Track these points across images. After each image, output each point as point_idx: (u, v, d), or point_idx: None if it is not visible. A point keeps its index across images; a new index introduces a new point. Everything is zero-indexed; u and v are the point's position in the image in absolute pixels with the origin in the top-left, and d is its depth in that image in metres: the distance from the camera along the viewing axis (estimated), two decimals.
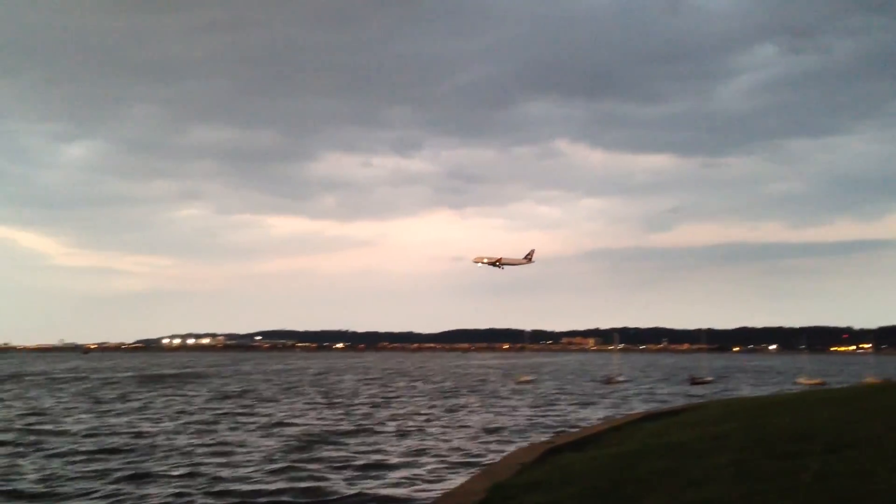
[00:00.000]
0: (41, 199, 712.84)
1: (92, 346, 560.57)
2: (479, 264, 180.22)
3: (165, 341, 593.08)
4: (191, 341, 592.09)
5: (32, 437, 36.71)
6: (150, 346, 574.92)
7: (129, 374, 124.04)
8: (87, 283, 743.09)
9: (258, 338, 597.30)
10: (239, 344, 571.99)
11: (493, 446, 33.67)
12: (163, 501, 21.83)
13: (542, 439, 29.66)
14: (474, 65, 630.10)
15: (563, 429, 40.24)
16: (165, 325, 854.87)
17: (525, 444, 32.14)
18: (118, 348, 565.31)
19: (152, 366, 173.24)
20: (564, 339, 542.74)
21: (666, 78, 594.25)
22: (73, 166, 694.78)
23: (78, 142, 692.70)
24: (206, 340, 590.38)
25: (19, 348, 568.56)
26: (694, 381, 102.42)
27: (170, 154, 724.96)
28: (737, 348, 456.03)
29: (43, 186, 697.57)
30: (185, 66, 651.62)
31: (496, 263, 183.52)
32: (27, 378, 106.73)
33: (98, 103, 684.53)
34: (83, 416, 48.23)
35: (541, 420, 47.22)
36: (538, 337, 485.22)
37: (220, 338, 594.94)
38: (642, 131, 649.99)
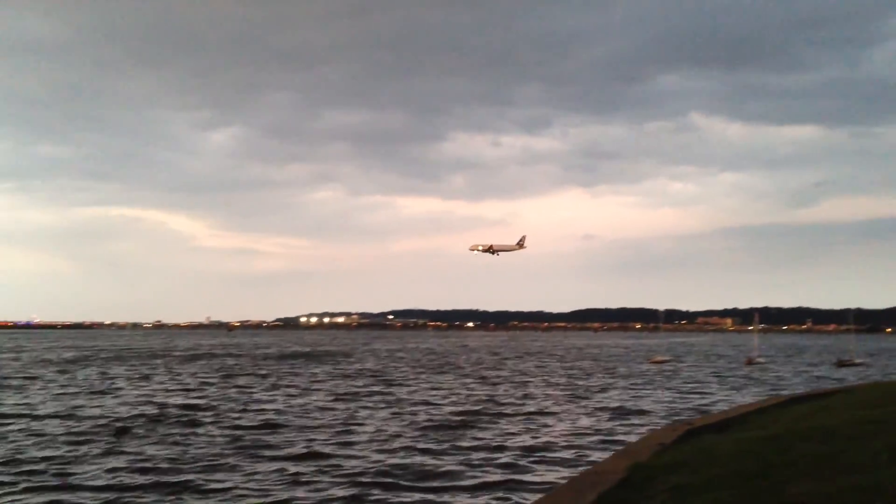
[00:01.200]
0: (188, 184, 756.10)
1: (235, 324, 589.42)
2: (476, 252, 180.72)
3: (303, 319, 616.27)
4: (326, 320, 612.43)
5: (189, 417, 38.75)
6: (288, 324, 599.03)
7: (271, 350, 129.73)
8: (231, 263, 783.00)
9: (390, 317, 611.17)
10: (372, 322, 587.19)
11: (629, 427, 33.23)
12: (292, 481, 22.43)
13: (681, 420, 29.12)
14: (605, 39, 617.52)
15: (701, 410, 39.30)
16: (303, 304, 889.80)
17: (662, 425, 31.65)
18: (259, 326, 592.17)
19: (291, 343, 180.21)
20: (700, 319, 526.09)
21: (811, 44, 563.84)
22: (217, 152, 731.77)
23: (220, 129, 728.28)
24: (340, 319, 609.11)
25: (170, 325, 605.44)
26: (841, 364, 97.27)
27: (305, 138, 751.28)
28: (889, 329, 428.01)
29: (189, 172, 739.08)
30: (318, 52, 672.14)
31: (490, 250, 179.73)
32: (175, 354, 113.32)
33: (238, 91, 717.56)
34: (232, 392, 50.59)
35: (677, 401, 46.26)
36: (672, 317, 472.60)
37: (354, 316, 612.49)
38: (785, 102, 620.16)
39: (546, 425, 32.96)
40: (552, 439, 28.94)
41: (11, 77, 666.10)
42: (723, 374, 75.64)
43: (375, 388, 48.69)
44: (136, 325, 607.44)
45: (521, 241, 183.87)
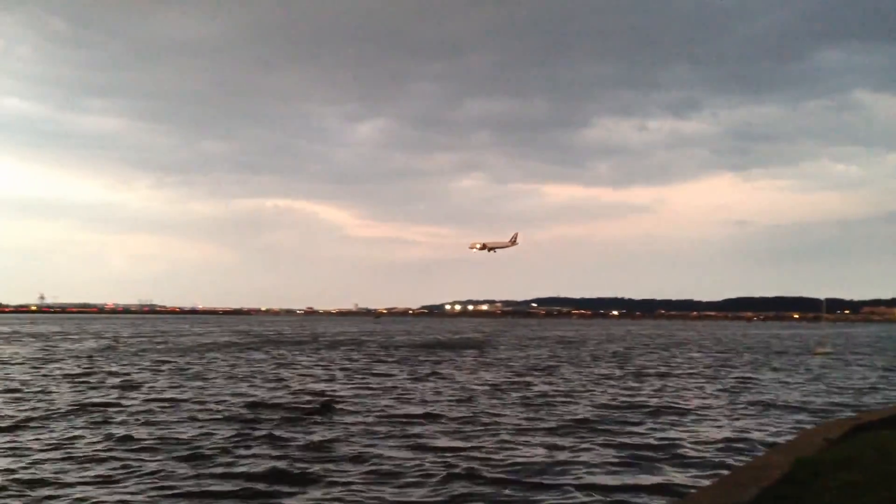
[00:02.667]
0: (337, 175, 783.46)
1: (382, 311, 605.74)
2: (473, 250, 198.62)
3: (448, 307, 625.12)
4: (471, 307, 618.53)
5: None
6: (433, 312, 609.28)
7: (415, 338, 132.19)
8: (378, 251, 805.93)
9: (534, 304, 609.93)
10: (516, 310, 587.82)
11: (789, 423, 31.40)
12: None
13: (847, 416, 27.33)
14: (759, 15, 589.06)
15: (869, 407, 36.73)
16: (448, 292, 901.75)
17: (826, 420, 29.83)
18: (405, 313, 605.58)
19: (437, 331, 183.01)
20: (865, 309, 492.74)
21: None
22: (364, 144, 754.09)
23: (367, 120, 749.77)
24: (484, 307, 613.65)
25: (321, 312, 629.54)
26: None
27: (449, 127, 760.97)
28: None
29: (338, 163, 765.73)
30: (461, 42, 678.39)
31: (485, 247, 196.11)
32: (321, 339, 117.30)
33: (383, 83, 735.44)
34: (370, 379, 51.54)
35: (842, 396, 43.37)
36: (834, 306, 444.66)
37: (497, 304, 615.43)
38: None
39: (699, 420, 31.64)
40: (706, 435, 27.67)
41: (177, 77, 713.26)
42: (894, 367, 70.32)
43: (516, 379, 48.33)
44: (289, 312, 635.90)
45: (513, 238, 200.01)
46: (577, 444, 25.40)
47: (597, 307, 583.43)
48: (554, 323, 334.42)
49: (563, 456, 23.48)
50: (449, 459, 22.55)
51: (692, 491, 17.26)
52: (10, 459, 22.29)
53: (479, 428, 28.52)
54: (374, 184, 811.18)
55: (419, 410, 32.33)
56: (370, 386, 42.81)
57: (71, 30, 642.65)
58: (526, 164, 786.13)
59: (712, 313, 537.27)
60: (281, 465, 21.69)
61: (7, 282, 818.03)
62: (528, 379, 48.23)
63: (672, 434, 27.66)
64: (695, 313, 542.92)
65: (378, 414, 31.01)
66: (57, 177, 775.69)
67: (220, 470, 21.15)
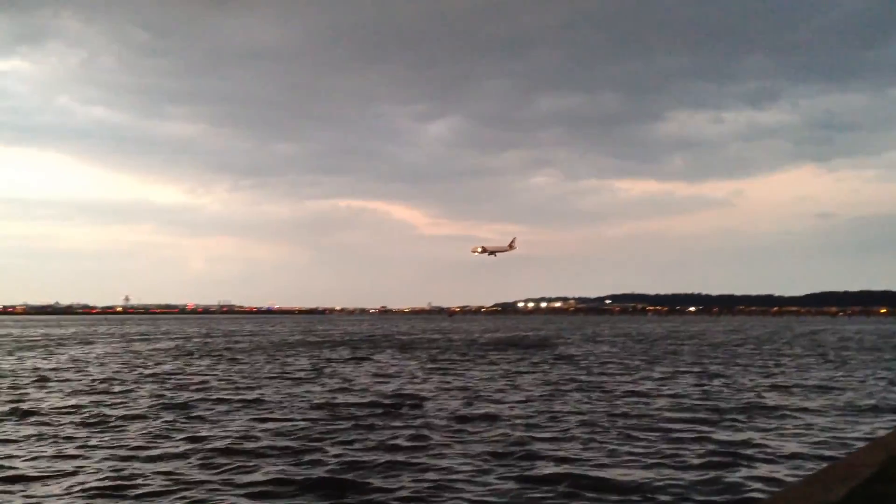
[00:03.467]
0: (409, 174, 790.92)
1: (455, 309, 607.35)
2: (475, 254, 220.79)
3: (521, 304, 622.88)
4: (544, 305, 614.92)
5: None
6: (506, 309, 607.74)
7: (488, 336, 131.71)
8: (450, 250, 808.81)
9: (608, 301, 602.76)
10: (589, 307, 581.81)
11: (882, 424, 29.72)
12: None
13: None
14: (841, 1, 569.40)
15: None
16: (521, 289, 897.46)
17: None
18: (478, 311, 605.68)
19: (509, 328, 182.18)
20: None
21: None
22: (435, 143, 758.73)
23: (438, 120, 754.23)
24: (557, 304, 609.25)
25: (395, 311, 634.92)
26: None
27: (519, 125, 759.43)
28: None
29: (410, 163, 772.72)
30: (531, 38, 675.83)
31: (485, 251, 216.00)
32: (393, 339, 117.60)
33: (454, 82, 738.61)
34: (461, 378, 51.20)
35: None
36: None
37: (571, 301, 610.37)
38: None
39: (788, 419, 30.30)
40: (796, 436, 26.41)
41: (251, 82, 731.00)
42: None
43: (586, 378, 47.38)
44: (363, 311, 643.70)
45: (511, 242, 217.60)
46: (657, 443, 24.56)
47: (673, 303, 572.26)
48: (629, 320, 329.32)
49: (644, 455, 22.78)
50: (530, 458, 22.17)
51: (778, 490, 16.48)
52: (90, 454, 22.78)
53: (553, 423, 27.95)
54: (445, 183, 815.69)
55: (497, 410, 31.72)
56: (447, 385, 42.49)
57: (152, 39, 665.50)
58: (598, 160, 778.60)
59: (794, 308, 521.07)
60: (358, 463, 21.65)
61: (94, 284, 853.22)
62: (604, 378, 47.14)
63: (764, 431, 26.48)
64: (775, 308, 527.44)
65: (457, 413, 30.58)
66: (140, 182, 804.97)
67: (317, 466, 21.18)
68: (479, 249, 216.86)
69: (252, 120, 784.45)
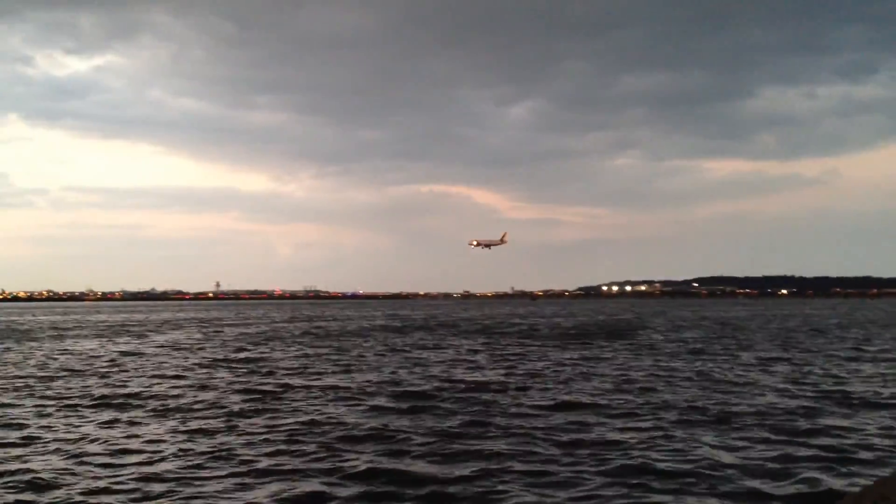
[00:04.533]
0: (490, 158, 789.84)
1: (539, 293, 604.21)
2: (471, 246, 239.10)
3: (604, 288, 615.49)
4: (628, 288, 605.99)
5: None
6: (590, 293, 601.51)
7: (570, 320, 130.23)
8: (533, 234, 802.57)
9: (695, 284, 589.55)
10: (676, 290, 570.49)
11: None
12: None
13: None
14: None
15: None
16: (604, 273, 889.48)
17: None
18: (562, 295, 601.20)
19: (593, 312, 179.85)
20: None
21: None
22: (516, 126, 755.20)
23: (519, 103, 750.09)
24: (642, 287, 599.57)
25: (478, 295, 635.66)
26: None
27: (602, 105, 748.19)
28: None
29: (491, 147, 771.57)
30: (613, 17, 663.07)
31: (480, 245, 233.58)
32: (475, 324, 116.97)
33: (535, 64, 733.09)
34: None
35: None
36: None
37: (656, 285, 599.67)
38: None
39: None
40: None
41: (334, 69, 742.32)
42: None
43: (689, 365, 45.95)
44: (446, 295, 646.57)
45: (503, 236, 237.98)
46: (740, 435, 23.58)
47: (764, 286, 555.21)
48: (717, 303, 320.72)
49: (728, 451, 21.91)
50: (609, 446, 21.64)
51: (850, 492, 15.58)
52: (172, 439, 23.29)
53: (645, 417, 27.15)
54: (527, 166, 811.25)
55: (579, 398, 31.04)
56: (526, 371, 42.01)
57: (238, 31, 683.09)
58: (684, 140, 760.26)
59: (894, 290, 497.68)
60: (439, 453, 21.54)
61: (187, 271, 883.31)
62: (697, 365, 45.60)
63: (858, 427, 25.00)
64: (874, 290, 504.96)
65: (532, 402, 30.13)
66: (228, 171, 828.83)
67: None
68: (475, 243, 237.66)
69: (335, 107, 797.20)
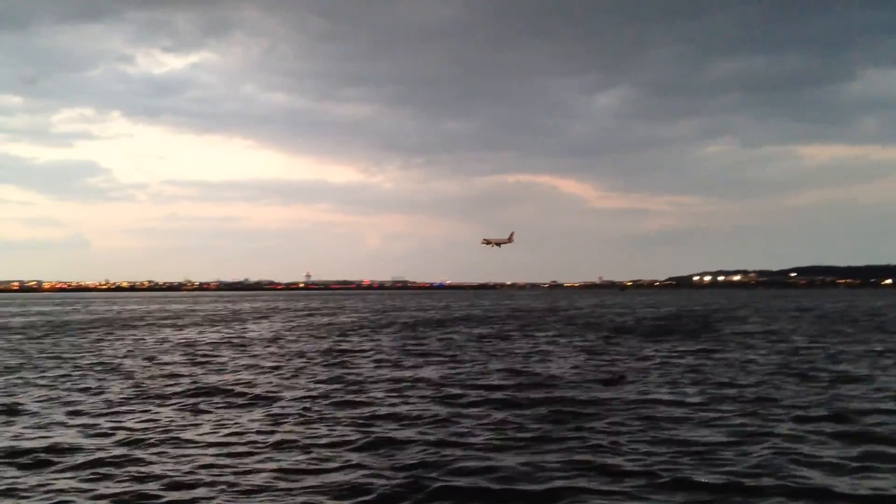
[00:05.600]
0: (576, 148, 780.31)
1: (628, 284, 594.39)
2: (481, 244, 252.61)
3: (696, 278, 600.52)
4: (721, 278, 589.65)
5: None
6: (681, 283, 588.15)
7: (660, 310, 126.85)
8: (621, 224, 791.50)
9: (793, 274, 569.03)
10: (772, 280, 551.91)
11: None
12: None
13: None
14: None
15: None
16: (696, 263, 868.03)
17: None
18: (651, 285, 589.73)
19: (683, 303, 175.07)
20: None
21: None
22: (603, 114, 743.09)
23: (606, 91, 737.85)
24: (736, 277, 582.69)
25: (566, 286, 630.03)
26: None
27: (693, 92, 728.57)
28: None
29: (577, 136, 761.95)
30: (705, 0, 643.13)
31: (489, 243, 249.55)
32: (559, 314, 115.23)
33: (623, 51, 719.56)
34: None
35: None
36: None
37: (751, 274, 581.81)
38: None
39: None
40: None
41: (420, 61, 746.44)
42: None
43: (792, 358, 43.41)
44: (534, 286, 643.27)
45: (510, 235, 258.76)
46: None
47: (866, 276, 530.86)
48: (817, 294, 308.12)
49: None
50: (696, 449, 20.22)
51: None
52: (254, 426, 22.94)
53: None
54: (614, 155, 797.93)
55: (665, 397, 29.37)
56: (604, 366, 40.47)
57: (327, 25, 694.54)
58: (780, 125, 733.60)
59: None
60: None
61: (278, 262, 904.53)
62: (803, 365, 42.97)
63: None
64: None
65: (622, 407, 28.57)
66: (317, 163, 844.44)
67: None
68: (484, 242, 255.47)
69: (421, 99, 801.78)
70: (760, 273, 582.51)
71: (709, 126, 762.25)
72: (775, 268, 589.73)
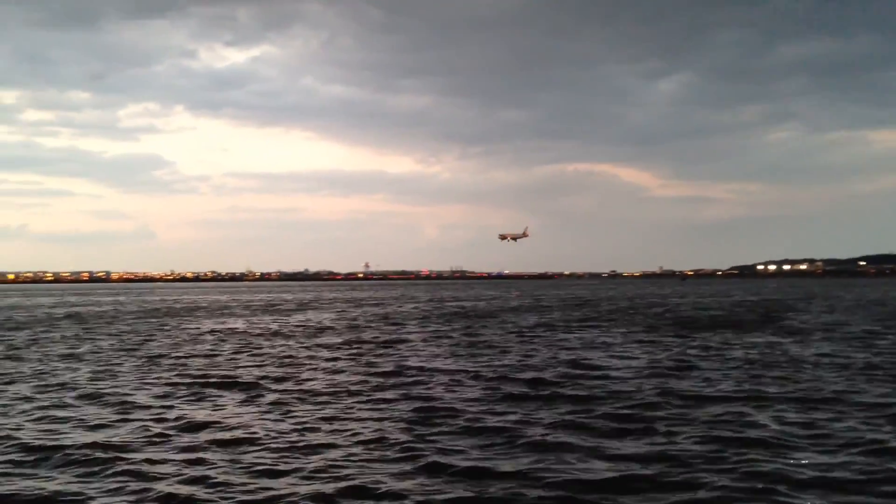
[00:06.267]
0: (636, 135, 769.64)
1: (689, 273, 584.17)
2: (500, 239, 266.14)
3: (760, 267, 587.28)
4: (787, 267, 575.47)
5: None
6: (744, 273, 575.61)
7: (724, 299, 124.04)
8: (682, 212, 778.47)
9: (862, 263, 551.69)
10: (839, 269, 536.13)
11: None
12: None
13: None
14: None
15: None
16: (760, 251, 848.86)
17: None
18: (713, 274, 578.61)
19: (746, 292, 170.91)
20: None
21: None
22: (664, 101, 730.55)
23: (667, 77, 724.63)
24: (802, 266, 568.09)
25: (625, 275, 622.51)
26: None
27: (757, 76, 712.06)
28: None
29: (638, 124, 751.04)
30: None
31: (505, 238, 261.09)
32: (617, 304, 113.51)
33: (684, 36, 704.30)
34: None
35: None
36: None
37: (818, 263, 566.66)
38: None
39: None
40: None
41: (477, 51, 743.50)
42: None
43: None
44: (592, 275, 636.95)
45: (525, 230, 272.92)
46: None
47: None
48: (887, 283, 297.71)
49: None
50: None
51: None
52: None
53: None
54: (675, 142, 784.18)
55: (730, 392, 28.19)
56: (657, 362, 39.23)
57: (385, 17, 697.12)
58: (848, 110, 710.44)
59: None
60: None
61: (337, 252, 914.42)
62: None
63: None
64: None
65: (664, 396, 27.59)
66: (375, 154, 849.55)
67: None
68: (501, 237, 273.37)
69: (478, 88, 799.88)
70: (827, 262, 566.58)
71: (774, 111, 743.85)
72: (843, 256, 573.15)
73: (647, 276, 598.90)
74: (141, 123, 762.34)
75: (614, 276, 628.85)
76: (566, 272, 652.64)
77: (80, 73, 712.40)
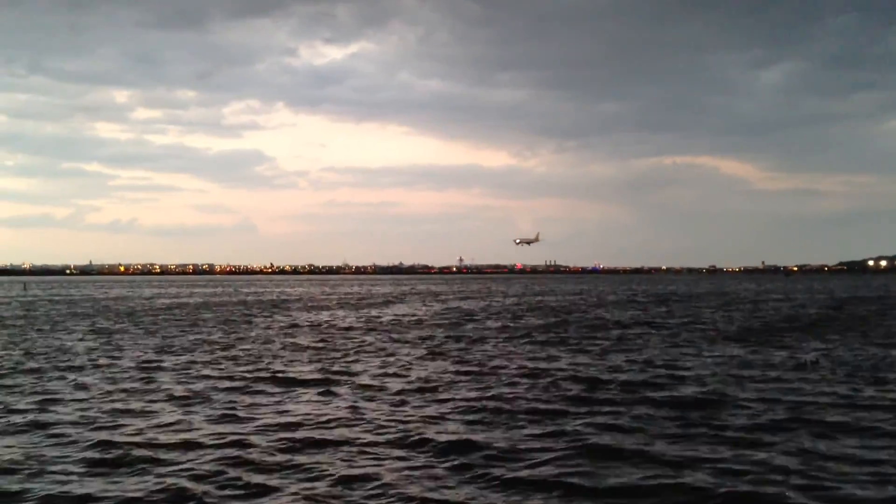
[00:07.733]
0: (740, 126, 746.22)
1: (793, 269, 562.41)
2: (515, 243, 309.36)
3: (871, 263, 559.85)
4: None
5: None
6: (853, 268, 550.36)
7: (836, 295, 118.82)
8: (787, 205, 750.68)
9: None
10: None
11: None
12: None
13: None
14: None
15: None
16: (871, 246, 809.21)
17: None
18: (820, 270, 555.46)
19: (857, 289, 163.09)
20: None
21: None
22: (769, 91, 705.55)
23: (773, 65, 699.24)
24: None
25: (726, 270, 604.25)
26: None
27: (872, 63, 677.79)
28: None
29: (741, 114, 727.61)
30: None
31: (520, 243, 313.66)
32: (710, 300, 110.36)
33: (792, 23, 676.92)
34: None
35: None
36: None
37: None
38: None
39: None
40: None
41: (574, 43, 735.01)
42: None
43: None
44: (691, 270, 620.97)
45: (537, 235, 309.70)
46: None
47: None
48: None
49: None
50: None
51: None
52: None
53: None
54: (781, 133, 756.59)
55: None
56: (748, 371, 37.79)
57: (481, 11, 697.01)
58: None
59: None
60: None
61: (432, 246, 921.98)
62: None
63: None
64: None
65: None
66: (470, 148, 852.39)
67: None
68: (517, 241, 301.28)
69: (575, 81, 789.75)
70: None
71: (889, 100, 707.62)
72: None
73: (748, 272, 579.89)
74: (244, 120, 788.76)
75: (714, 271, 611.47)
76: (663, 267, 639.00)
77: (187, 73, 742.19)
